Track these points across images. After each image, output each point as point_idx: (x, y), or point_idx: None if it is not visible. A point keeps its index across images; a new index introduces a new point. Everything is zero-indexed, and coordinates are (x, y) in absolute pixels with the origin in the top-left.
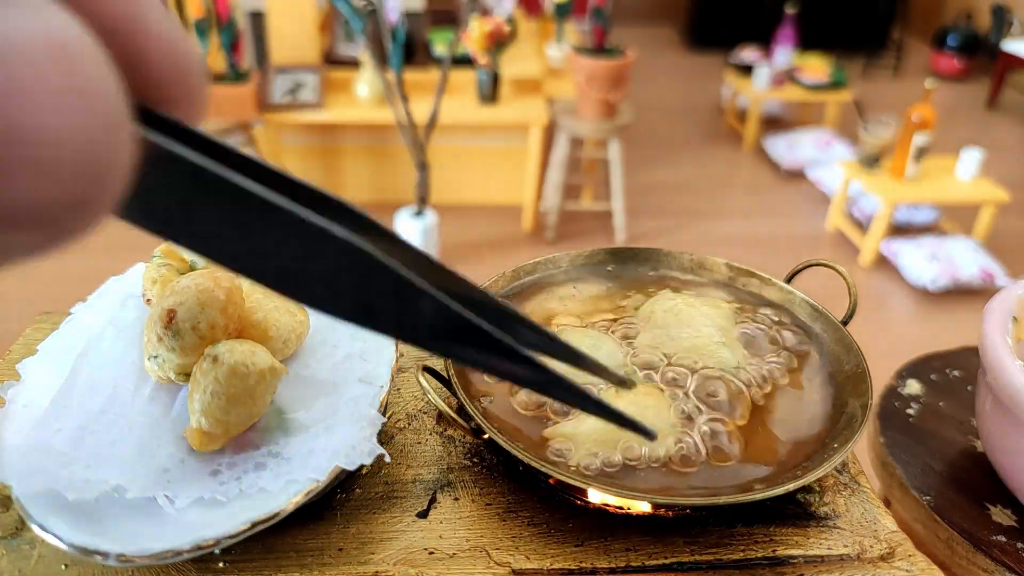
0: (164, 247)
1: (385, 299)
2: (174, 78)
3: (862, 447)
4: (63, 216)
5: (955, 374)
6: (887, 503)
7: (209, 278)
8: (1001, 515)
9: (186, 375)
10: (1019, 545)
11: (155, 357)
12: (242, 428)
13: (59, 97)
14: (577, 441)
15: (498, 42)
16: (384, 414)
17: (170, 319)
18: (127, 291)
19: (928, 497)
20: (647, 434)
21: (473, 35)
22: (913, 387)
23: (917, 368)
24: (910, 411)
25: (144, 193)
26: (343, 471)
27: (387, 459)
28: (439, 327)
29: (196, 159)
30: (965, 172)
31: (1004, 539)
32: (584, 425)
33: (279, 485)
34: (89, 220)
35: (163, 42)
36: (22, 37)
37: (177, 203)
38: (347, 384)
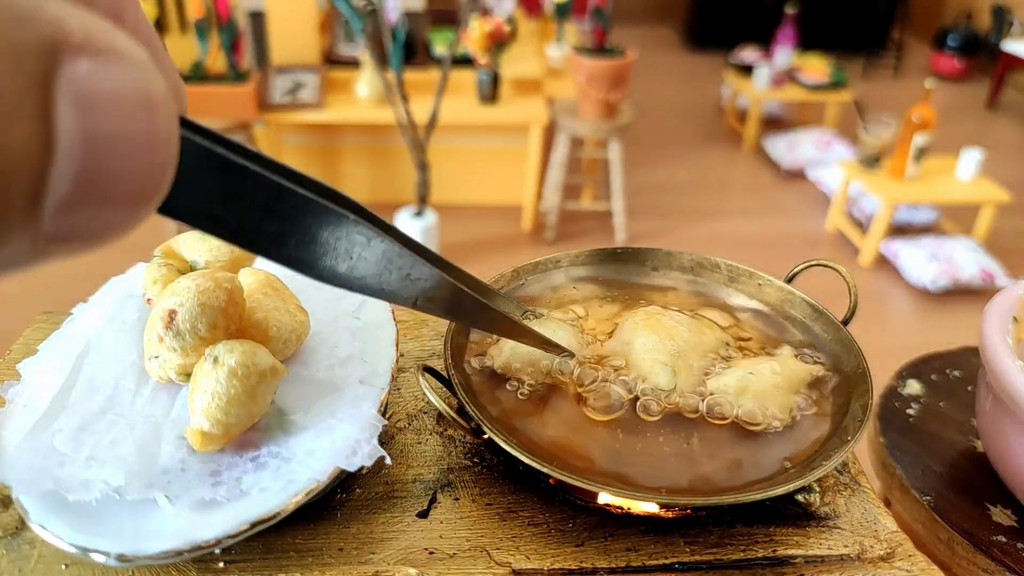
0: (164, 247)
1: (392, 272)
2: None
3: (862, 447)
4: (137, 203)
5: (955, 374)
6: (887, 503)
7: (209, 278)
8: (1001, 515)
9: (187, 375)
10: (1019, 545)
11: (156, 357)
12: (242, 428)
13: (137, 138)
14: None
15: (498, 42)
16: (384, 415)
17: (170, 319)
18: (127, 291)
19: (928, 497)
20: (569, 353)
21: (473, 35)
22: (913, 387)
23: (917, 368)
24: (910, 411)
25: (181, 183)
26: (343, 471)
27: (388, 461)
28: (434, 295)
29: (223, 151)
30: (965, 172)
31: (1004, 539)
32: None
33: (279, 485)
34: (153, 204)
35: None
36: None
37: (212, 190)
38: (348, 385)
